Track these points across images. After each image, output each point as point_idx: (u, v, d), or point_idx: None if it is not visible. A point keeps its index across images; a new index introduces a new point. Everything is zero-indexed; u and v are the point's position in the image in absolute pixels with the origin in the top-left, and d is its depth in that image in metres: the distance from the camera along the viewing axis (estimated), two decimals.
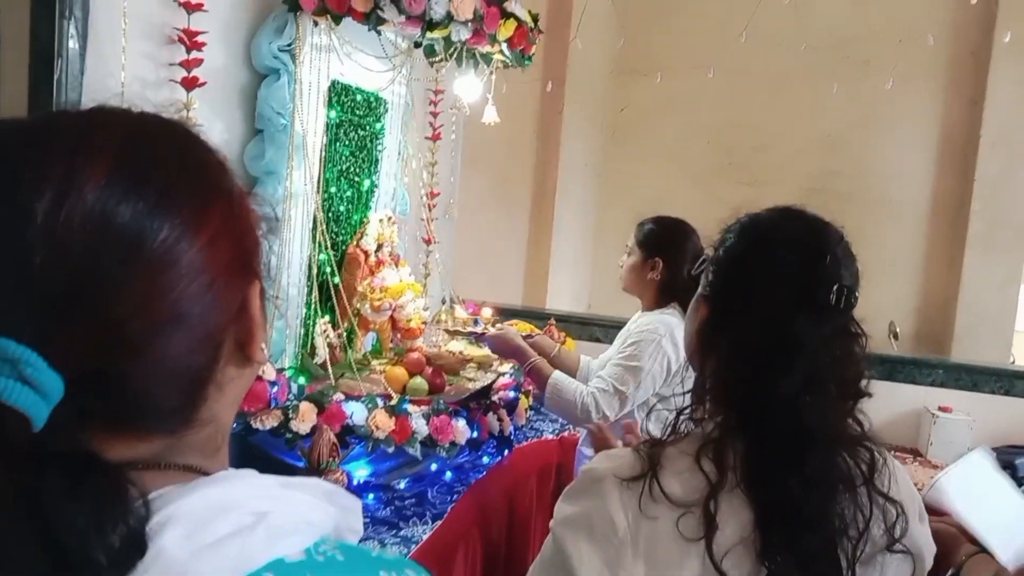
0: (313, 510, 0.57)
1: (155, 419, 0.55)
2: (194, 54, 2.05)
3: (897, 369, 3.91)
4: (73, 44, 1.85)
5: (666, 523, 0.93)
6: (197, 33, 2.04)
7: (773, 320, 1.00)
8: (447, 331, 2.92)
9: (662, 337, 2.29)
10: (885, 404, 3.84)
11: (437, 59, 2.73)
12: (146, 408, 0.53)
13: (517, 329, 2.72)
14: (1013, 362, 4.97)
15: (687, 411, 1.08)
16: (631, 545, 0.93)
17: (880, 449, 1.06)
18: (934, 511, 1.13)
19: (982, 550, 1.24)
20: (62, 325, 0.48)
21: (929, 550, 1.08)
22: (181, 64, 2.03)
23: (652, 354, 2.28)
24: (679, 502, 0.94)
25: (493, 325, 2.81)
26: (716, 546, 0.92)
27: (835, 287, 1.00)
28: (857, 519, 0.98)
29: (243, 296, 0.60)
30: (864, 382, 1.05)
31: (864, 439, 1.04)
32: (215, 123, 2.26)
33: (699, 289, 1.16)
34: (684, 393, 1.17)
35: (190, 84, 2.04)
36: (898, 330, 4.98)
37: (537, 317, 2.86)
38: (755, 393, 0.99)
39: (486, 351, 2.93)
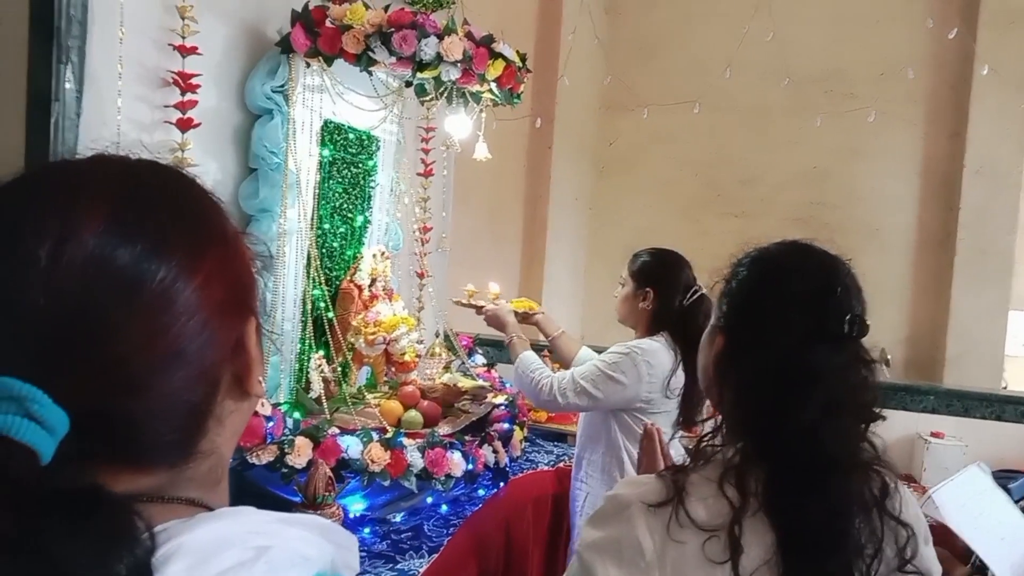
0: (310, 546, 0.59)
1: (157, 452, 0.57)
2: (188, 96, 2.09)
3: (889, 396, 3.94)
4: (70, 87, 1.88)
5: (693, 547, 0.97)
6: (191, 75, 2.08)
7: (789, 350, 1.03)
8: (454, 301, 2.95)
9: (639, 356, 2.34)
10: (878, 430, 3.85)
11: (428, 98, 2.77)
12: (148, 442, 0.56)
13: (522, 305, 2.86)
14: (1005, 387, 5.01)
15: (708, 438, 1.11)
16: (658, 568, 0.96)
17: (890, 472, 1.08)
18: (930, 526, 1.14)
19: (974, 573, 1.25)
20: (65, 364, 0.51)
21: (937, 571, 1.10)
22: (176, 106, 2.07)
23: (624, 367, 2.33)
24: (704, 526, 0.97)
25: (495, 300, 2.87)
26: (742, 568, 0.95)
27: (848, 317, 1.03)
28: (872, 541, 1.01)
29: (239, 332, 0.62)
30: (877, 407, 1.09)
31: (877, 462, 1.07)
32: (209, 163, 2.29)
33: (712, 321, 1.18)
34: (674, 427, 1.20)
35: (185, 125, 2.08)
36: (889, 358, 5.02)
37: (533, 348, 2.88)
38: (774, 421, 1.02)
39: (480, 382, 2.98)
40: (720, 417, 1.12)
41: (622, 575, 0.96)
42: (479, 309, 2.84)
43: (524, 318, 2.87)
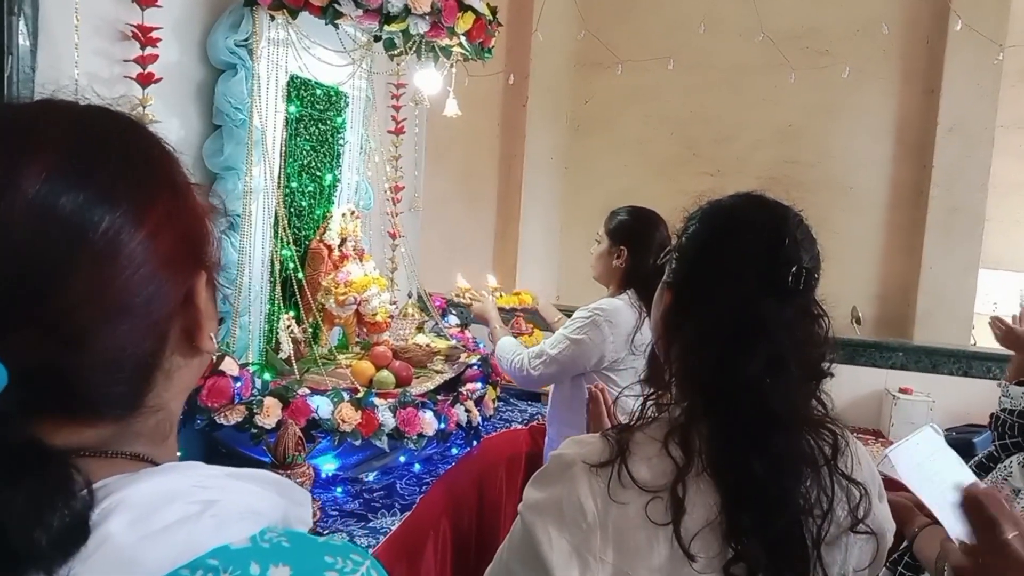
0: (260, 500, 0.58)
1: (101, 406, 0.55)
2: (149, 50, 2.03)
3: (859, 352, 3.99)
4: (23, 41, 1.82)
5: (635, 508, 0.94)
6: (151, 29, 2.02)
7: (736, 304, 1.01)
8: (448, 300, 3.15)
9: (600, 317, 2.37)
10: (847, 387, 3.91)
11: (397, 52, 2.72)
12: (91, 395, 0.54)
13: (520, 300, 3.05)
14: (974, 344, 5.08)
15: (654, 396, 1.09)
16: (600, 530, 0.94)
17: (843, 430, 1.06)
18: (889, 482, 1.15)
19: (935, 521, 1.27)
20: (6, 317, 0.49)
21: (890, 528, 1.10)
22: (136, 60, 2.02)
23: (585, 330, 2.39)
24: (647, 487, 0.94)
25: (492, 293, 3.03)
26: (684, 530, 0.93)
27: (794, 269, 1.01)
28: (821, 500, 0.99)
29: (189, 286, 0.60)
30: (827, 363, 1.06)
31: (827, 420, 1.05)
32: (171, 119, 2.24)
33: (664, 276, 1.16)
34: (639, 382, 1.18)
35: (145, 80, 2.03)
36: (860, 315, 5.06)
37: (504, 310, 2.90)
38: (720, 377, 1.00)
39: (452, 343, 3.01)
40: (665, 374, 1.10)
41: (563, 537, 0.94)
42: (469, 306, 2.99)
43: (523, 311, 3.01)
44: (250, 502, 0.57)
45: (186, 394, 0.65)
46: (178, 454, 0.65)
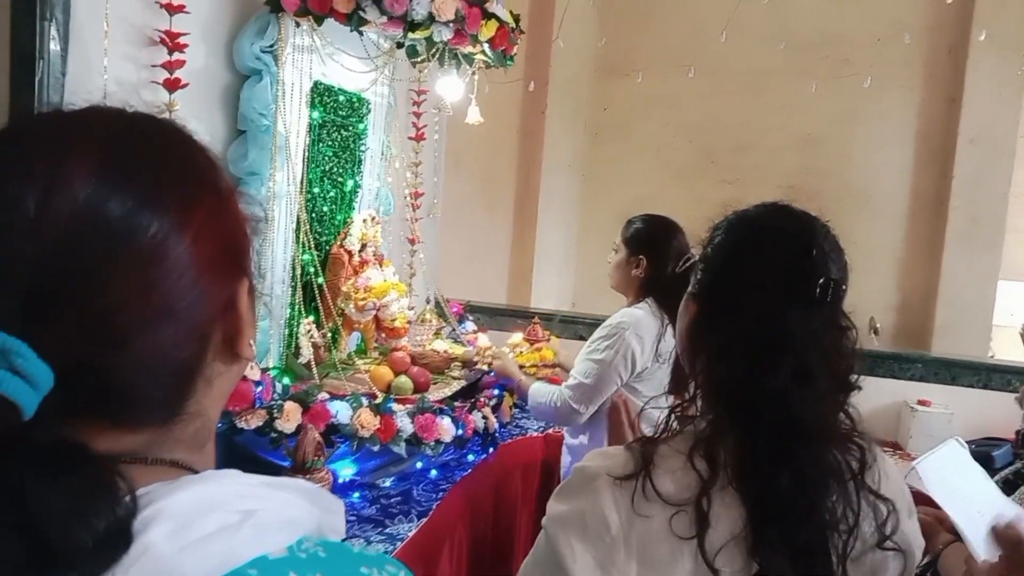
0: (296, 509, 0.58)
1: (143, 411, 0.56)
2: (176, 55, 2.05)
3: (877, 364, 3.96)
4: (54, 46, 1.85)
5: (659, 522, 0.93)
6: (179, 35, 2.04)
7: (762, 315, 1.00)
8: (467, 364, 3.01)
9: (625, 330, 2.34)
10: (865, 398, 3.82)
11: (419, 60, 2.73)
12: (133, 400, 0.54)
13: (541, 356, 2.97)
14: (992, 356, 5.04)
15: (679, 408, 1.07)
16: (624, 544, 0.93)
17: (871, 444, 1.04)
18: (916, 495, 1.14)
19: (958, 538, 1.26)
20: (51, 318, 0.49)
21: (919, 545, 1.08)
22: (163, 66, 2.04)
23: (614, 346, 2.34)
24: (672, 500, 0.93)
25: (513, 350, 2.99)
26: (708, 544, 0.92)
27: (821, 280, 0.99)
28: (847, 515, 0.97)
29: (231, 292, 0.61)
30: (854, 376, 1.05)
31: (854, 434, 1.03)
32: (197, 124, 2.19)
33: (689, 288, 1.15)
34: (664, 394, 1.18)
35: (172, 85, 2.05)
36: (879, 325, 5.04)
37: (521, 316, 2.89)
38: (746, 389, 0.98)
39: (470, 349, 3.01)
40: (691, 386, 1.08)
41: (586, 550, 0.93)
42: (489, 365, 2.93)
43: (545, 367, 2.94)
44: (287, 512, 0.57)
45: (224, 401, 0.65)
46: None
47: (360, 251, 2.89)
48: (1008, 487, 1.68)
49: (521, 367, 2.85)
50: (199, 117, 2.27)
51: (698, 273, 1.13)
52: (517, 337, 3.05)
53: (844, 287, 1.03)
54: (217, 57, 2.33)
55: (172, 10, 2.03)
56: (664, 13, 5.71)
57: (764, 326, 1.00)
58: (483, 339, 3.08)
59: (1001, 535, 0.97)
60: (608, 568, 0.93)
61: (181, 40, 2.05)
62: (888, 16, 5.24)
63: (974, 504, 1.09)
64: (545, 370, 2.92)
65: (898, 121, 5.40)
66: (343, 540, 0.62)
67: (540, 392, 2.55)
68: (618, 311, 2.48)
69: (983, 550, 1.02)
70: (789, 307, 0.99)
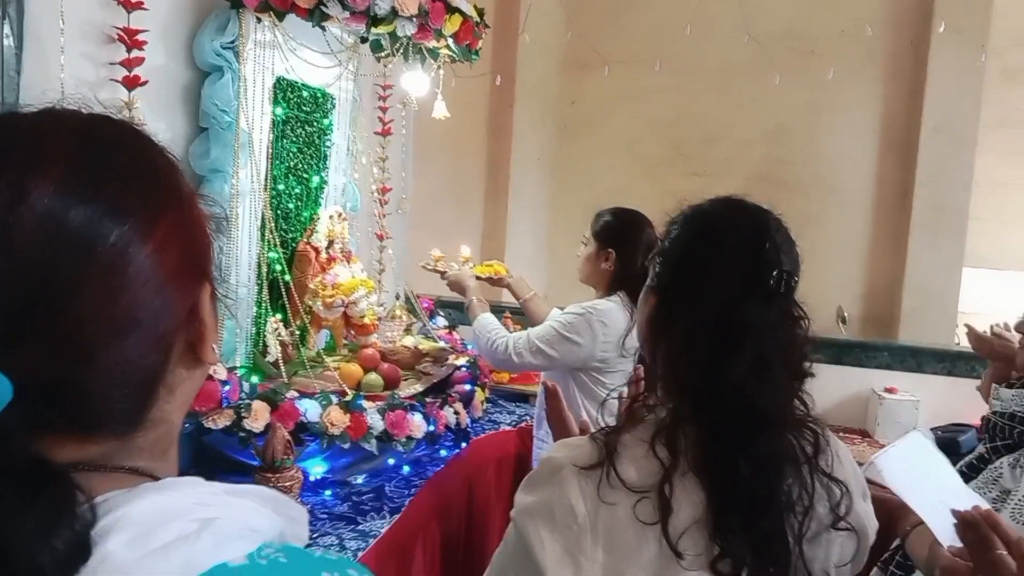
0: (258, 517, 0.57)
1: (106, 421, 0.55)
2: (135, 53, 2.02)
3: (844, 352, 4.01)
4: (8, 43, 1.81)
5: (624, 509, 0.95)
6: (137, 32, 2.01)
7: (720, 307, 1.03)
8: (420, 265, 2.96)
9: (594, 316, 2.36)
10: (833, 387, 3.93)
11: (384, 54, 2.72)
12: (97, 411, 0.54)
13: (489, 270, 2.90)
14: (959, 343, 5.11)
15: (640, 398, 1.10)
16: (591, 531, 0.95)
17: (824, 429, 1.08)
18: (879, 484, 1.16)
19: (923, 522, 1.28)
20: (14, 331, 0.49)
21: (872, 527, 1.12)
22: (122, 63, 2.00)
23: (581, 329, 2.36)
24: (635, 488, 0.96)
25: (465, 263, 2.92)
26: (672, 528, 0.94)
27: (775, 272, 1.03)
28: (802, 497, 1.01)
29: (194, 299, 0.60)
30: (807, 363, 1.08)
31: (808, 420, 1.07)
32: (158, 122, 2.22)
33: (648, 280, 1.17)
34: (626, 384, 1.20)
35: (131, 83, 2.02)
36: (846, 314, 5.10)
37: (493, 310, 2.87)
38: (706, 379, 1.01)
39: (441, 344, 2.99)
40: (651, 376, 1.11)
41: (555, 539, 0.95)
42: (443, 274, 2.85)
43: (495, 282, 2.88)
44: (248, 519, 0.56)
45: (187, 406, 0.65)
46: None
47: (327, 248, 2.87)
48: (972, 471, 1.71)
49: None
50: (159, 115, 2.24)
51: (656, 266, 1.16)
52: (467, 251, 3.00)
53: (796, 278, 1.07)
54: (177, 54, 2.30)
55: (130, 7, 2.00)
56: (630, 7, 5.72)
57: (722, 317, 1.02)
58: (436, 250, 2.98)
59: (961, 519, 1.00)
60: (576, 556, 0.95)
61: (140, 37, 2.02)
62: (851, 9, 5.29)
63: (936, 494, 1.11)
64: (507, 316, 2.93)
65: (863, 112, 5.46)
66: (319, 537, 0.62)
67: (487, 325, 2.57)
68: (594, 299, 2.50)
69: (945, 535, 1.04)
70: (746, 299, 1.02)
